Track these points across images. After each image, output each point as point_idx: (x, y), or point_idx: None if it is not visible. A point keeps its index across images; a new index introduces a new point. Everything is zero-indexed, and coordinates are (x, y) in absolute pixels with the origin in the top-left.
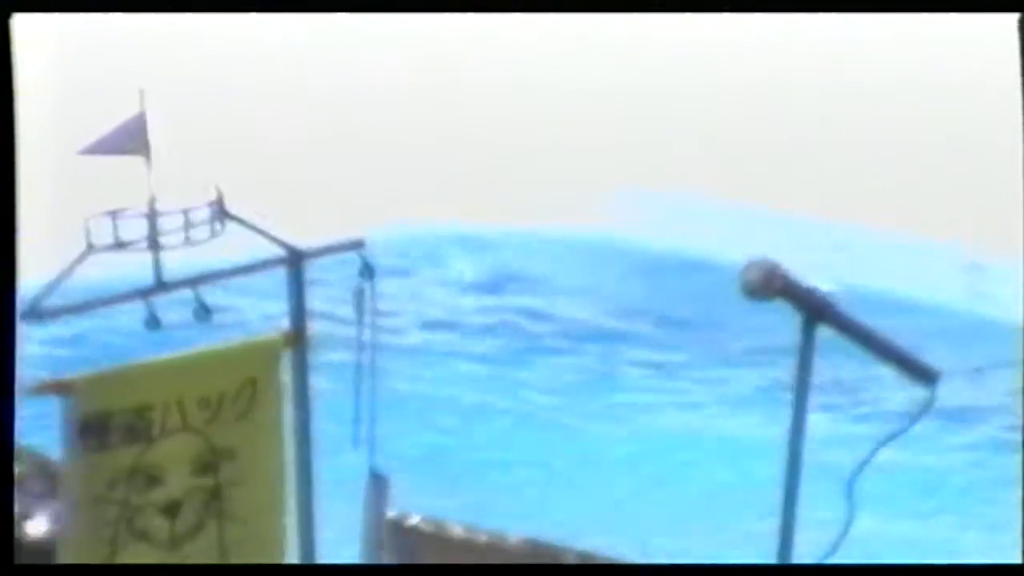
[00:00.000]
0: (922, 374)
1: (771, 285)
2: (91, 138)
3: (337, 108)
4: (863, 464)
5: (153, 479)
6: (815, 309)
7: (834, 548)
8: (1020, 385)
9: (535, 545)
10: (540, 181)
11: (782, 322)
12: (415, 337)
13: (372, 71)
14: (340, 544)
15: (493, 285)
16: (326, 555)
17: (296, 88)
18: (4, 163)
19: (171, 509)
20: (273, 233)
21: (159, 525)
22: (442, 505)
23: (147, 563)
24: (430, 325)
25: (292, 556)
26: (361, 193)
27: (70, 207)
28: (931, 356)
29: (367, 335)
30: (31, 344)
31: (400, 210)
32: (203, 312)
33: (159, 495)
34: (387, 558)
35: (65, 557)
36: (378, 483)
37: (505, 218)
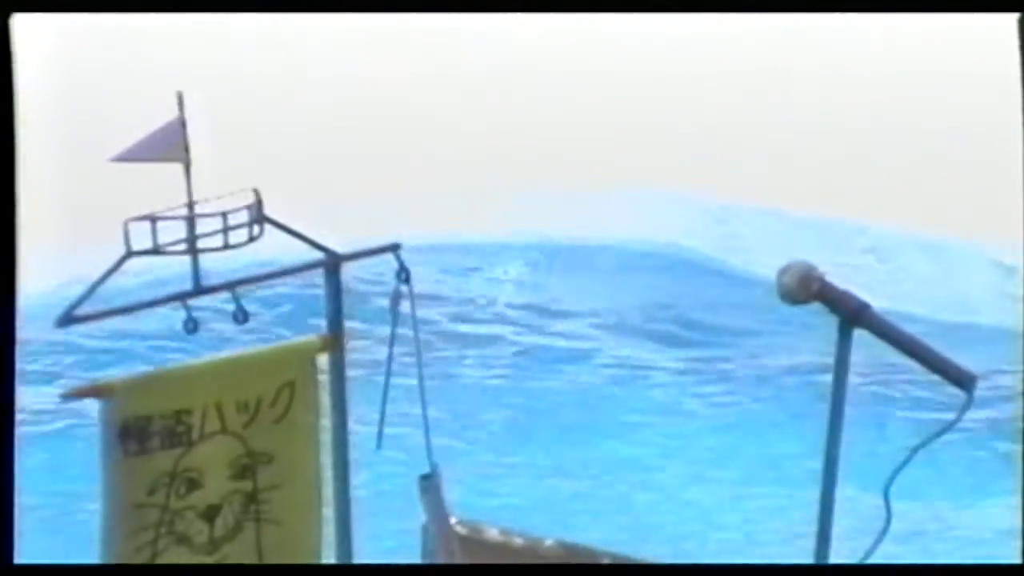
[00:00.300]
0: (959, 377)
1: (808, 288)
2: (92, 138)
3: (345, 106)
4: (899, 469)
5: (192, 483)
6: (851, 312)
7: (871, 552)
8: (1021, 387)
9: (570, 549)
10: (555, 183)
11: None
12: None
13: (387, 68)
14: (375, 546)
15: (514, 291)
16: (362, 558)
17: (302, 84)
18: (4, 163)
19: (210, 513)
20: (310, 236)
21: (199, 529)
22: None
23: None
24: (457, 319)
25: (329, 559)
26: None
27: (71, 207)
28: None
29: (410, 337)
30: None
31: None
32: (241, 316)
33: (199, 499)
34: (425, 561)
35: (108, 562)
36: (430, 482)
37: (516, 223)
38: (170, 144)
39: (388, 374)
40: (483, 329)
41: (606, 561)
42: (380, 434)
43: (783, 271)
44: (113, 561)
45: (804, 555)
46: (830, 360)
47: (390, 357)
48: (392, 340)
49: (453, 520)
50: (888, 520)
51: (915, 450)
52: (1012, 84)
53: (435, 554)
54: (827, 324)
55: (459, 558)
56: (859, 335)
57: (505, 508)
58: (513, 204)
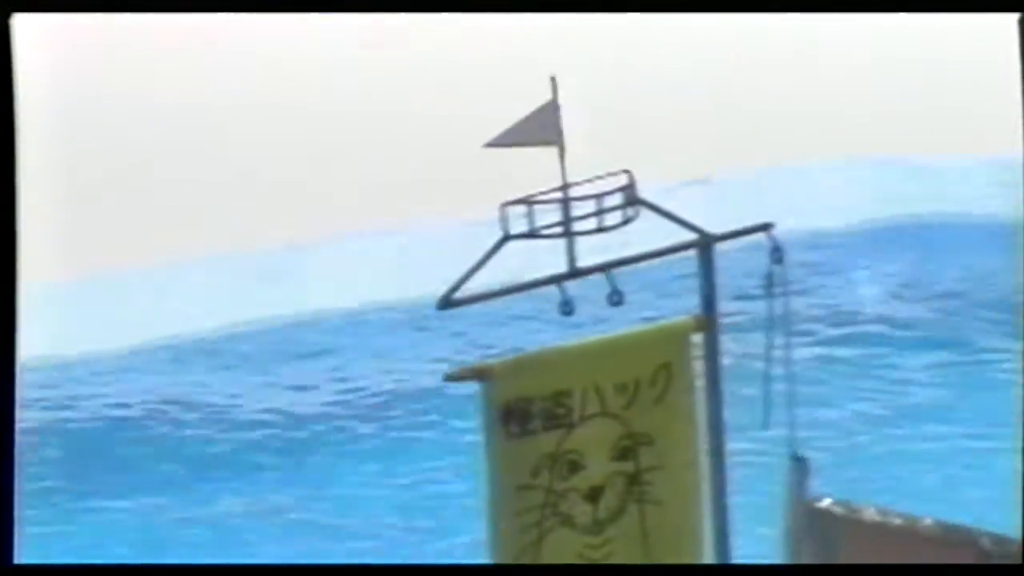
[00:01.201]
0: None
1: None
2: (91, 137)
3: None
4: None
5: (574, 464)
6: None
7: None
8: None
9: (948, 529)
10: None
11: None
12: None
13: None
14: (750, 526)
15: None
16: (738, 536)
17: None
18: (4, 163)
19: (593, 494)
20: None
21: (583, 510)
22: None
23: (565, 549)
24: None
25: (708, 540)
26: None
27: (71, 206)
28: None
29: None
30: None
31: None
32: (616, 297)
33: (581, 480)
34: (802, 541)
35: (494, 542)
36: (799, 467)
37: None
38: (544, 128)
39: (769, 355)
40: None
41: (985, 541)
42: (766, 416)
43: None
44: (499, 541)
45: None
46: None
47: (770, 337)
48: (770, 320)
49: (828, 501)
50: None
51: None
52: (1012, 84)
53: (796, 535)
54: None
55: (826, 537)
56: None
57: None
58: None
